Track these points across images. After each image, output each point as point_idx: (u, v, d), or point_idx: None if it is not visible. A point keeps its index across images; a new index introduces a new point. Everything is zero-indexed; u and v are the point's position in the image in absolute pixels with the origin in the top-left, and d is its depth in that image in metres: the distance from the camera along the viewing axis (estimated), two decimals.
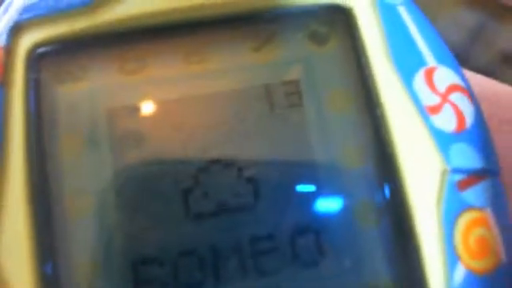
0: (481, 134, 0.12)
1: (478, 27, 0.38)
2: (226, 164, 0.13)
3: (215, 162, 0.13)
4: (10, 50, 0.13)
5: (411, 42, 0.13)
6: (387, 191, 0.12)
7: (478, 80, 0.17)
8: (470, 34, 0.38)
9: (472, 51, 0.39)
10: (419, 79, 0.13)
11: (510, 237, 0.12)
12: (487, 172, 0.12)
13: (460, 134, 0.12)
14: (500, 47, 0.38)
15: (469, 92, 0.13)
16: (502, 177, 0.13)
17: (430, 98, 0.12)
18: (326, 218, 0.13)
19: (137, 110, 0.13)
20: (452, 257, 0.12)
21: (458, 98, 0.13)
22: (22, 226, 0.12)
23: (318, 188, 0.13)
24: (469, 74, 0.16)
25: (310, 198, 0.13)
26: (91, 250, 0.12)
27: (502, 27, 0.39)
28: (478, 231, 0.12)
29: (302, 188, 0.13)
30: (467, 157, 0.12)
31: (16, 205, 0.12)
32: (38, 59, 0.13)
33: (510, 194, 0.13)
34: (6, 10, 0.13)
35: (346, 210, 0.13)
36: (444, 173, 0.12)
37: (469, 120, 0.12)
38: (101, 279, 0.12)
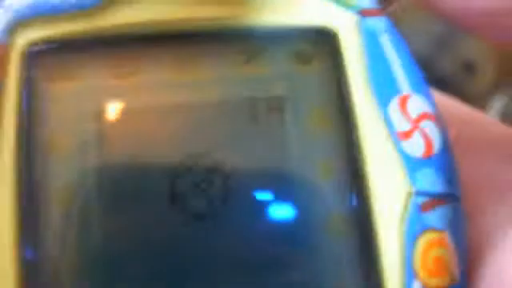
0: (446, 160, 0.13)
1: (444, 37, 0.40)
2: (205, 169, 0.13)
3: (194, 167, 0.13)
4: (6, 46, 0.13)
5: (389, 70, 0.14)
6: (354, 206, 0.13)
7: (450, 103, 0.18)
8: (437, 42, 0.40)
9: (438, 59, 0.40)
10: (393, 105, 0.13)
11: (464, 258, 0.13)
12: (449, 196, 0.13)
13: (427, 160, 0.13)
14: (464, 57, 0.40)
15: (438, 119, 0.14)
16: (463, 201, 0.14)
17: (402, 124, 0.13)
18: (293, 227, 0.13)
19: (124, 112, 0.13)
20: (410, 273, 0.13)
21: (427, 125, 0.13)
22: (7, 211, 0.12)
23: (288, 197, 0.13)
24: (443, 98, 0.17)
25: (279, 206, 0.13)
26: (71, 242, 0.13)
27: (467, 37, 0.40)
28: (436, 251, 0.13)
29: (270, 196, 0.14)
30: (432, 181, 0.13)
31: (2, 193, 0.12)
32: (32, 57, 0.13)
33: (470, 217, 0.14)
34: (8, 7, 0.13)
35: (313, 219, 0.13)
36: (409, 194, 0.13)
37: (436, 146, 0.13)
38: (79, 273, 0.13)
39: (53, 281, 0.12)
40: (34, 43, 0.13)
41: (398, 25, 0.14)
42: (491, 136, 0.16)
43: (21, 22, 0.13)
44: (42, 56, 0.13)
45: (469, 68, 0.40)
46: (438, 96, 0.17)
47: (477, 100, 0.39)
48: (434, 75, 0.40)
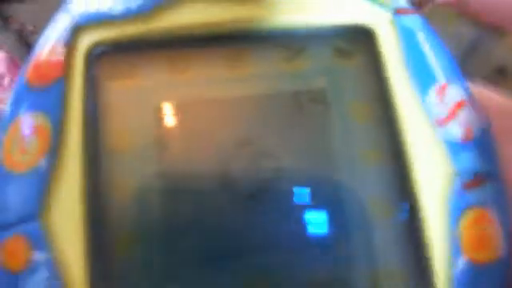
0: (485, 143, 0.14)
1: (475, 41, 0.40)
2: (254, 155, 0.14)
3: (244, 153, 0.14)
4: (71, 47, 0.14)
5: (426, 62, 0.14)
6: (399, 191, 0.14)
7: (484, 93, 0.18)
8: (467, 46, 0.40)
9: (469, 63, 0.41)
10: (432, 95, 0.14)
11: (508, 233, 0.14)
12: (489, 175, 0.14)
13: (467, 143, 0.14)
14: (495, 61, 0.40)
15: (474, 106, 0.14)
16: (503, 180, 0.14)
17: (440, 112, 0.14)
18: (344, 209, 0.14)
19: (180, 106, 0.15)
20: (456, 248, 0.13)
21: (465, 111, 0.14)
22: (77, 200, 0.13)
23: (337, 182, 0.14)
24: (476, 87, 0.18)
25: (329, 190, 0.14)
26: (132, 224, 0.14)
27: (498, 41, 0.40)
28: (480, 227, 0.13)
29: (320, 181, 0.14)
30: (472, 162, 0.14)
31: (70, 189, 0.13)
32: (96, 57, 0.14)
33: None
34: (67, 10, 0.15)
35: (362, 202, 0.14)
36: (451, 175, 0.14)
37: (474, 131, 0.14)
38: (140, 248, 0.14)
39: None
40: (96, 45, 0.14)
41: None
42: None
43: (84, 25, 0.14)
44: (103, 57, 0.15)
45: (501, 72, 0.40)
46: (481, 87, 0.17)
47: None
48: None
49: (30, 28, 0.36)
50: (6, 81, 0.30)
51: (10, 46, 0.33)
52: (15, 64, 0.31)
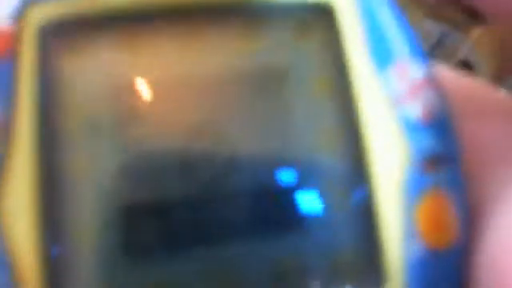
0: (444, 124, 0.14)
1: (442, 36, 0.40)
2: (213, 142, 0.14)
3: (200, 138, 0.14)
4: (21, 25, 0.13)
5: (387, 39, 0.14)
6: (353, 171, 0.14)
7: (451, 75, 0.18)
8: (433, 42, 0.41)
9: (434, 58, 0.41)
10: (391, 71, 0.14)
11: (465, 217, 0.13)
12: (448, 158, 0.14)
13: (425, 123, 0.14)
14: (461, 55, 0.41)
15: (436, 85, 0.14)
16: (465, 164, 0.14)
17: (400, 90, 0.14)
18: (303, 192, 0.14)
19: (137, 85, 0.14)
20: (410, 232, 0.13)
21: (425, 90, 0.14)
22: (28, 204, 0.13)
23: (294, 162, 0.14)
24: (446, 70, 0.18)
25: (288, 174, 0.14)
26: (89, 208, 0.13)
27: (463, 36, 0.41)
28: (437, 210, 0.13)
29: (279, 164, 0.14)
30: (430, 143, 0.13)
31: (23, 176, 0.13)
32: (47, 35, 0.14)
33: (475, 179, 0.14)
34: None
35: (319, 185, 0.14)
36: (407, 156, 0.13)
37: (434, 111, 0.14)
38: (97, 235, 0.13)
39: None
40: (49, 21, 0.14)
41: None
42: (496, 102, 0.16)
43: (33, 2, 0.14)
44: (57, 33, 0.14)
45: (466, 66, 0.41)
46: (445, 69, 0.17)
47: None
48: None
49: None
50: None
51: None
52: None
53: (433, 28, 0.40)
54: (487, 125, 0.15)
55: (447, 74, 0.17)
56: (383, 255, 0.13)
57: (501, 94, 0.17)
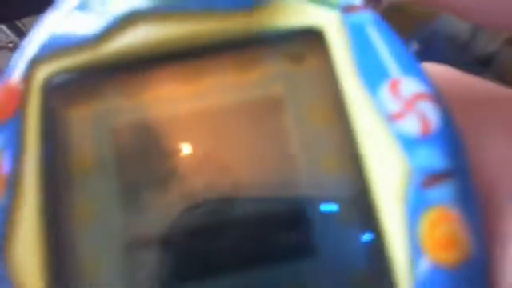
0: (447, 136, 0.13)
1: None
2: (213, 173, 0.14)
3: (203, 168, 0.14)
4: (27, 81, 0.15)
5: (377, 57, 0.14)
6: (357, 190, 0.14)
7: (460, 79, 0.17)
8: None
9: (479, 39, 0.39)
10: (384, 90, 0.14)
11: (479, 231, 0.13)
12: (452, 171, 0.13)
13: (425, 138, 0.13)
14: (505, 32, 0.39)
15: (435, 97, 0.14)
16: (473, 176, 0.13)
17: (394, 106, 0.14)
18: (307, 219, 0.14)
19: (138, 128, 0.15)
20: (416, 250, 0.13)
21: (422, 104, 0.14)
22: (37, 230, 0.14)
23: (297, 191, 0.14)
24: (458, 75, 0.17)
25: (290, 200, 0.14)
26: (94, 248, 0.14)
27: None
28: (443, 226, 0.13)
29: (280, 192, 0.14)
30: (432, 158, 0.13)
31: (30, 227, 0.14)
32: (51, 88, 0.15)
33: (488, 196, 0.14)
34: (23, 48, 0.15)
35: (323, 210, 0.14)
36: (407, 173, 0.13)
37: (434, 124, 0.14)
38: (103, 271, 0.14)
39: None
40: (51, 75, 0.15)
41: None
42: (500, 109, 0.16)
43: (36, 59, 0.15)
44: (59, 86, 0.15)
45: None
46: (456, 73, 0.17)
47: None
48: (477, 56, 0.39)
49: None
50: None
51: None
52: None
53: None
54: (489, 138, 0.15)
55: (451, 75, 0.17)
56: (392, 274, 0.13)
57: (507, 95, 0.16)
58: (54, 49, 0.15)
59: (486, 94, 0.16)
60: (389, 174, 0.13)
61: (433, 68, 0.17)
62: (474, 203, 0.13)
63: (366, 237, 0.14)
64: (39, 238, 0.14)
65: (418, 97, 0.14)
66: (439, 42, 0.38)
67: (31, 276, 0.13)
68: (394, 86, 0.14)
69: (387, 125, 0.14)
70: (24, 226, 0.14)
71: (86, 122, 0.15)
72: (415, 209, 0.13)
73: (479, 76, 0.17)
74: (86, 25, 0.15)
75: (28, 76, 0.15)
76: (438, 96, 0.14)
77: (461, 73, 0.17)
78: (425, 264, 0.13)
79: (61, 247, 0.14)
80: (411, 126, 0.14)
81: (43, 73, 0.15)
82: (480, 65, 0.38)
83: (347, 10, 0.15)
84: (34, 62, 0.15)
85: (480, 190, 0.14)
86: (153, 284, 0.14)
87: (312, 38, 0.15)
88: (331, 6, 0.15)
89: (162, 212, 0.14)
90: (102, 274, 0.14)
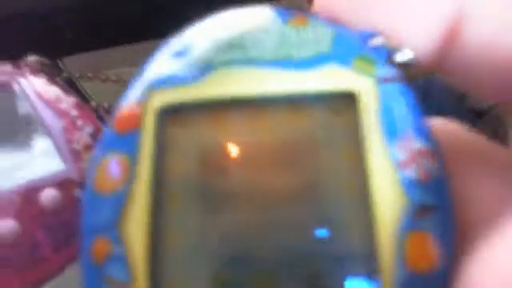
0: (438, 182, 0.19)
1: None
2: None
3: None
4: (144, 106, 0.20)
5: (398, 121, 0.19)
6: (365, 216, 0.19)
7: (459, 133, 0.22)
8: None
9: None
10: (398, 143, 0.19)
11: (448, 251, 0.18)
12: (436, 208, 0.18)
13: (422, 182, 0.18)
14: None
15: (434, 153, 0.19)
16: (453, 214, 0.19)
17: (403, 157, 0.19)
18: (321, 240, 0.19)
19: (223, 154, 0.20)
20: (400, 262, 0.18)
21: (423, 158, 0.19)
22: (145, 215, 0.19)
23: (325, 223, 0.19)
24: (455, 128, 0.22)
25: (320, 231, 0.19)
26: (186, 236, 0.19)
27: None
28: (421, 245, 0.18)
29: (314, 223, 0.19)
30: (424, 197, 0.18)
31: (141, 206, 0.19)
32: (163, 114, 0.20)
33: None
34: (144, 79, 0.21)
35: (342, 235, 0.19)
36: (405, 206, 0.18)
37: (430, 173, 0.19)
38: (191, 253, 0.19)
39: None
40: (163, 104, 0.20)
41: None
42: (495, 164, 0.20)
43: (154, 89, 0.20)
44: (169, 113, 0.20)
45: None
46: (455, 128, 0.22)
47: None
48: (472, 107, 0.44)
49: (105, 105, 0.43)
50: (79, 123, 0.37)
51: None
52: (86, 111, 0.38)
53: None
54: (484, 186, 0.19)
55: (450, 129, 0.21)
56: (381, 276, 0.18)
57: (503, 153, 0.20)
58: (167, 83, 0.21)
59: (478, 148, 0.21)
60: (390, 206, 0.18)
61: (436, 122, 0.21)
62: (450, 230, 0.19)
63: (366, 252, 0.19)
64: (146, 219, 0.19)
65: (421, 152, 0.19)
66: (436, 92, 0.43)
67: (137, 246, 0.19)
68: (405, 142, 0.19)
69: (396, 170, 0.19)
70: (136, 209, 0.19)
71: (184, 143, 0.20)
72: (404, 231, 0.18)
73: (475, 126, 0.22)
74: (184, 69, 0.21)
75: (145, 102, 0.20)
76: (437, 151, 0.19)
77: (460, 127, 0.22)
78: (405, 272, 0.18)
79: (160, 229, 0.19)
80: (413, 172, 0.19)
81: (157, 101, 0.20)
82: (476, 115, 0.42)
83: (382, 80, 0.20)
84: (150, 92, 0.20)
85: (459, 223, 0.19)
86: None
87: (347, 98, 0.20)
88: (369, 74, 0.20)
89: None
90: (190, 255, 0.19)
